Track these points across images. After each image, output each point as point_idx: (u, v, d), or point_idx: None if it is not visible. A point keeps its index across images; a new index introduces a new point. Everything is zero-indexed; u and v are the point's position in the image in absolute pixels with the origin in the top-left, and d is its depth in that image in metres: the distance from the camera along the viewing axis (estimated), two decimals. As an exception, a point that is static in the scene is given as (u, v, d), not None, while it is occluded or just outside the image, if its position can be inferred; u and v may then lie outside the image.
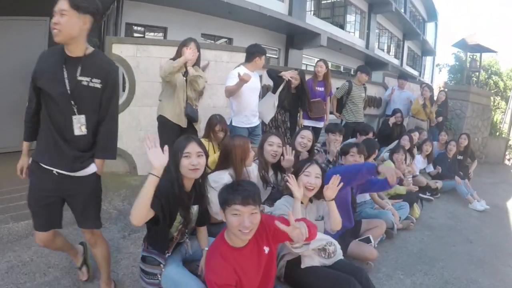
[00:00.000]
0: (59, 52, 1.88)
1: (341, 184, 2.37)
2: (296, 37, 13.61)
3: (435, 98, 7.21)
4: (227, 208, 1.77)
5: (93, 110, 1.96)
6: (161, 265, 2.06)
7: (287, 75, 4.48)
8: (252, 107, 4.09)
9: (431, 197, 5.11)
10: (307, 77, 5.44)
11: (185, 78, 3.50)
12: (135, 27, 10.66)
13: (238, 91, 3.84)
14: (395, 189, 4.25)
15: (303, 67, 14.22)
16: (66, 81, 1.85)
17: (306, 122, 5.21)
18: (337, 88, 6.03)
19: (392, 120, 6.02)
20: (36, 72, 1.88)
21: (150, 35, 10.87)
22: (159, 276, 2.05)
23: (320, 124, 5.34)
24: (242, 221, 1.74)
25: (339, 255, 2.46)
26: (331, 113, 6.18)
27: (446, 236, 3.89)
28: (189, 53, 3.28)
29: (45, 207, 1.98)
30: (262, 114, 4.59)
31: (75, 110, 1.89)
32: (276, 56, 14.11)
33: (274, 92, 4.62)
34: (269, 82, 4.97)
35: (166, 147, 1.82)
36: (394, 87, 7.22)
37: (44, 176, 1.94)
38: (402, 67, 22.32)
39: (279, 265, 2.41)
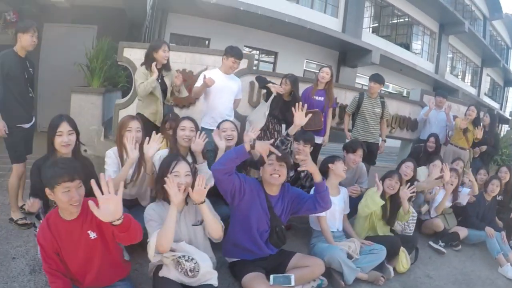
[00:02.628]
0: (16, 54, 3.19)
1: (210, 184, 2.24)
2: (349, 54, 12.67)
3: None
4: (56, 186, 1.84)
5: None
6: (41, 221, 2.24)
7: (272, 89, 4.25)
8: (221, 109, 3.99)
9: (442, 249, 3.83)
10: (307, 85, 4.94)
11: (159, 81, 3.82)
12: (179, 38, 10.92)
13: (201, 93, 3.91)
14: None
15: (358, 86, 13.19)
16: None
17: None
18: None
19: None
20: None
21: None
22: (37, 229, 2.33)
23: (318, 140, 4.63)
24: (72, 196, 1.85)
25: (209, 279, 2.17)
26: (342, 130, 5.38)
27: (431, 308, 2.68)
28: (155, 69, 3.65)
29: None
30: (252, 123, 4.40)
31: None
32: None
33: (266, 100, 4.43)
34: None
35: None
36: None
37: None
38: (479, 97, 19.74)
39: (149, 266, 2.30)
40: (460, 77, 18.94)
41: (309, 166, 2.55)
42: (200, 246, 2.27)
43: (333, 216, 3.25)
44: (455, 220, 4.35)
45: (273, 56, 12.09)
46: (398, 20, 15.22)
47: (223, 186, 2.41)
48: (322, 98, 4.64)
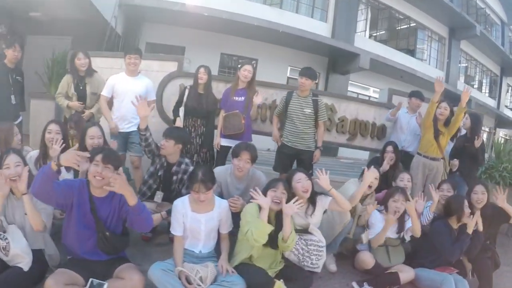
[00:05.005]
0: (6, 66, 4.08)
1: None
2: (340, 60, 11.64)
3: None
4: None
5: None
6: None
7: None
8: (123, 113, 4.00)
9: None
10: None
11: (81, 88, 4.17)
12: (155, 47, 10.50)
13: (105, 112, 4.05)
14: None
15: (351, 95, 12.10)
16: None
17: (223, 141, 4.13)
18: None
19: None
20: None
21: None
22: None
23: None
24: None
25: (20, 262, 2.27)
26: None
27: None
28: (75, 105, 4.10)
29: None
30: None
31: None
32: (316, 81, 12.29)
33: (181, 97, 4.23)
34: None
35: None
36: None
37: None
38: (499, 110, 18.00)
39: None
40: (476, 86, 17.28)
41: (114, 181, 2.20)
42: (28, 234, 2.42)
43: (195, 236, 2.67)
44: (402, 256, 3.19)
45: (253, 63, 11.30)
46: (399, 24, 14.08)
47: (48, 202, 2.37)
48: (242, 98, 4.13)
